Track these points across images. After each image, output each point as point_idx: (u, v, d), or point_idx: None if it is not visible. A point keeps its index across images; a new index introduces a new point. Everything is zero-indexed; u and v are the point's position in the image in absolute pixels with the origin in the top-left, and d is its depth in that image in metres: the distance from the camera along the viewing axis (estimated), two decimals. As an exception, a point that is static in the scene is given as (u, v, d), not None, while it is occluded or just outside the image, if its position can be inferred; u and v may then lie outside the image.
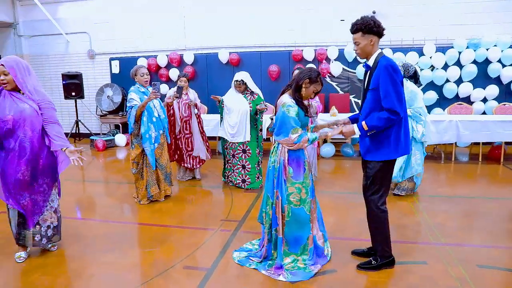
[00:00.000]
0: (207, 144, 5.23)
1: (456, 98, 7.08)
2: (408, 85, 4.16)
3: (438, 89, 7.15)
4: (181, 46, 8.31)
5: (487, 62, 6.87)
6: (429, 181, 5.02)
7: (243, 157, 4.81)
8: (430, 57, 7.04)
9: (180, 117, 5.01)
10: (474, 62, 6.90)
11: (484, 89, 6.93)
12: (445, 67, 7.03)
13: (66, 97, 8.44)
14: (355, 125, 2.68)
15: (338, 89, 7.59)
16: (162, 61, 8.22)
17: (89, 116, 9.19)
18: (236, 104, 4.72)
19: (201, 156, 5.19)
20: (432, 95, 7.08)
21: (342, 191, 4.77)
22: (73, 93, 8.36)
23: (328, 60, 7.50)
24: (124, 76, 8.41)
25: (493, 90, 6.84)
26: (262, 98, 4.87)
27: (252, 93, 4.79)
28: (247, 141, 4.76)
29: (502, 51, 6.75)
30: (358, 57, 3.35)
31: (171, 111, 4.94)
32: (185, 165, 5.19)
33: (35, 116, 2.85)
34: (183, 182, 5.24)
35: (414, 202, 4.26)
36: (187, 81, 5.05)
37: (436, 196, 4.48)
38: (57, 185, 3.14)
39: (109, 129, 8.80)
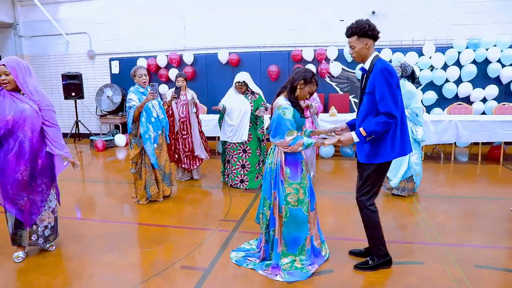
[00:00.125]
0: (206, 144, 5.24)
1: (456, 98, 7.07)
2: (406, 85, 4.16)
3: (438, 89, 7.14)
4: (181, 46, 8.32)
5: (486, 62, 6.86)
6: (428, 181, 5.02)
7: (243, 157, 4.81)
8: (430, 57, 7.04)
9: (178, 117, 5.01)
10: (474, 62, 6.89)
11: (483, 89, 6.92)
12: (445, 67, 7.02)
13: (66, 98, 8.46)
14: (353, 133, 2.65)
15: (338, 89, 7.59)
16: (162, 61, 8.23)
17: (89, 117, 9.21)
18: (237, 105, 4.73)
19: (201, 156, 5.19)
20: (432, 95, 7.08)
21: (341, 191, 4.77)
22: (73, 94, 8.38)
23: (327, 60, 7.51)
24: (124, 77, 8.42)
25: (492, 90, 6.84)
26: (263, 98, 4.89)
27: (253, 93, 4.81)
28: (248, 141, 4.77)
29: (501, 51, 6.74)
30: (354, 61, 3.34)
31: (170, 112, 4.94)
32: (182, 166, 5.20)
33: (35, 117, 2.86)
34: (182, 182, 5.25)
35: (413, 203, 4.26)
36: (185, 80, 5.03)
37: (436, 196, 4.48)
38: (55, 186, 3.15)
39: (108, 129, 8.81)
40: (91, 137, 8.10)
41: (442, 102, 7.16)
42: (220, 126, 4.95)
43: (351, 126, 2.86)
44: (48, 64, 9.31)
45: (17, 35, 9.22)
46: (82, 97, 8.48)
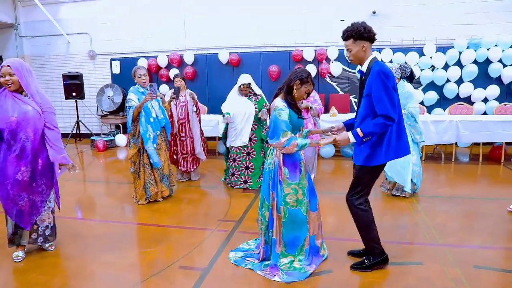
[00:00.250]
0: (205, 144, 5.23)
1: (457, 98, 7.05)
2: (406, 85, 4.16)
3: (439, 89, 7.13)
4: (181, 47, 8.33)
5: (487, 62, 6.85)
6: (429, 182, 5.01)
7: (247, 159, 4.82)
8: (431, 57, 7.02)
9: (177, 119, 5.00)
10: (475, 62, 6.87)
11: (484, 89, 6.90)
12: (446, 67, 7.01)
13: (66, 98, 8.48)
14: (349, 133, 2.65)
15: (338, 89, 7.58)
16: (163, 61, 8.23)
17: (89, 117, 9.22)
18: (240, 108, 4.73)
19: (200, 156, 5.19)
20: (433, 95, 7.07)
21: (342, 192, 4.71)
22: (74, 94, 8.39)
23: (328, 60, 7.50)
24: (124, 77, 8.43)
25: (493, 90, 6.82)
26: (265, 99, 4.89)
27: (255, 94, 4.82)
28: (252, 143, 4.78)
29: (503, 51, 6.72)
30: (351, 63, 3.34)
31: (169, 113, 4.93)
32: (180, 168, 5.19)
33: (38, 118, 2.89)
34: (181, 183, 5.25)
35: (413, 203, 4.25)
36: (182, 80, 5.01)
37: (436, 197, 4.47)
38: (54, 188, 3.17)
39: (109, 129, 8.83)
40: (92, 137, 8.12)
41: (443, 102, 7.15)
42: (224, 136, 4.95)
43: (348, 126, 2.86)
44: (49, 64, 9.33)
45: (18, 36, 9.25)
46: (83, 97, 8.50)
